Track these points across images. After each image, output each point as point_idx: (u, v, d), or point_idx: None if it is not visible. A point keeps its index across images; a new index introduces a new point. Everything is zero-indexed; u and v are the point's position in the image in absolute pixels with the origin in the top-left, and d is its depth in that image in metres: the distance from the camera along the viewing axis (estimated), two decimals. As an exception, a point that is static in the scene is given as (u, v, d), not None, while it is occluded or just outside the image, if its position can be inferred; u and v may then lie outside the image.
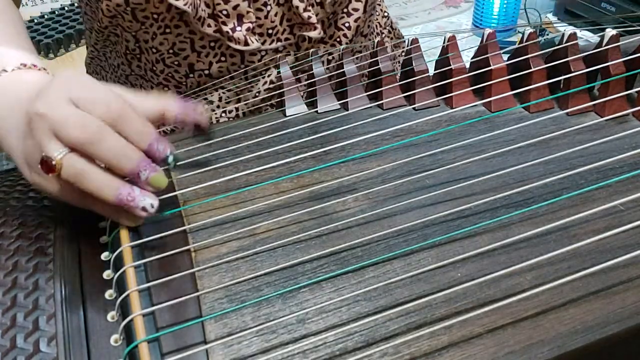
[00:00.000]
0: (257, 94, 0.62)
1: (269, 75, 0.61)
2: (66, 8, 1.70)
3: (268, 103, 0.62)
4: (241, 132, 0.50)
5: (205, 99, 0.63)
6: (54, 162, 0.36)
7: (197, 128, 0.44)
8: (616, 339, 0.34)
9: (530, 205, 0.41)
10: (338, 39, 0.62)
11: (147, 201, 0.38)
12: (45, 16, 1.67)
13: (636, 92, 0.51)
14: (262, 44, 0.58)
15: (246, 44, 0.57)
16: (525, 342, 0.33)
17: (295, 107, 0.54)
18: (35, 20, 1.64)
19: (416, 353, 0.33)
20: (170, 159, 0.40)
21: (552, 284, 0.34)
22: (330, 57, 0.65)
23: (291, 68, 0.56)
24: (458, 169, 0.44)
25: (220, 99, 0.62)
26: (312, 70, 0.55)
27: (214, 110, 0.62)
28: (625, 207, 0.41)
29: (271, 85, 0.61)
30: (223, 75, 0.60)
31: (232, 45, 0.57)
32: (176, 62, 0.59)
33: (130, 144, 0.37)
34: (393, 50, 0.72)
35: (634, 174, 0.43)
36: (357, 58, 0.67)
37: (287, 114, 0.54)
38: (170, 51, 0.58)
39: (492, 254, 0.38)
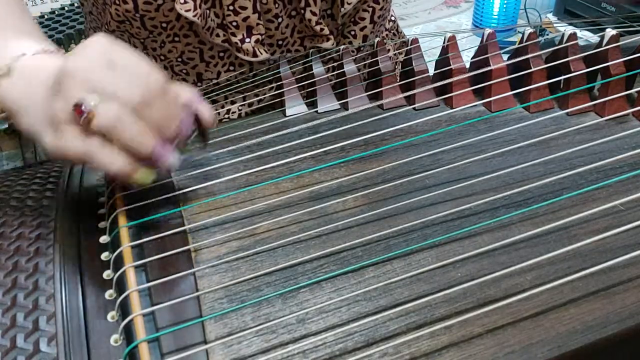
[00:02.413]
0: (262, 98, 0.62)
1: (277, 82, 0.61)
2: (66, 8, 1.70)
3: (270, 103, 0.62)
4: (241, 132, 0.50)
5: (212, 100, 0.63)
6: (89, 108, 0.34)
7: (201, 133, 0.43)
8: (616, 339, 0.34)
9: (530, 205, 0.41)
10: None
11: (176, 157, 0.38)
12: (45, 16, 1.67)
13: (636, 92, 0.51)
14: (272, 54, 0.58)
15: (255, 55, 0.57)
16: (525, 342, 0.33)
17: (295, 107, 0.54)
18: (35, 20, 1.64)
19: (416, 353, 0.33)
20: (194, 135, 0.40)
21: (552, 284, 0.34)
22: (330, 57, 0.65)
23: (290, 68, 0.56)
24: (458, 169, 0.44)
25: (225, 99, 0.62)
26: (312, 70, 0.55)
27: (217, 110, 0.62)
28: (625, 207, 0.41)
29: (277, 91, 0.61)
30: (231, 83, 0.60)
31: (241, 56, 0.57)
32: (184, 71, 0.59)
33: (170, 113, 0.37)
34: (394, 50, 0.72)
35: (634, 174, 0.43)
36: (354, 59, 0.67)
37: (287, 114, 0.54)
38: (179, 59, 0.58)
39: (492, 254, 0.38)
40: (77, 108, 0.35)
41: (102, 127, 0.35)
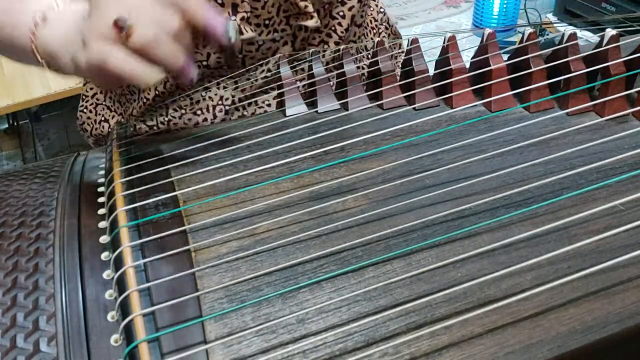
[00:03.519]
0: (254, 82, 0.62)
1: (266, 64, 0.61)
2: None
3: (263, 88, 0.63)
4: (241, 132, 0.50)
5: (204, 87, 0.63)
6: (128, 24, 0.37)
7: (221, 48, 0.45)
8: (616, 339, 0.34)
9: (530, 205, 0.41)
10: (333, 28, 0.63)
11: (195, 70, 0.42)
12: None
13: (636, 92, 0.51)
14: (260, 34, 0.59)
15: (240, 33, 0.57)
16: (525, 342, 0.33)
17: (295, 107, 0.54)
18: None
19: (416, 353, 0.33)
20: (231, 30, 0.41)
21: (552, 284, 0.34)
22: (328, 57, 0.65)
23: (289, 63, 0.56)
24: (458, 169, 0.44)
25: (218, 86, 0.63)
26: (312, 70, 0.55)
27: (211, 98, 0.63)
28: (625, 207, 0.41)
29: (268, 74, 0.61)
30: (221, 65, 0.61)
31: None
32: None
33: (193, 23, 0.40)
34: (392, 50, 0.72)
35: (634, 174, 0.43)
36: (355, 59, 0.67)
37: (287, 114, 0.54)
38: None
39: (492, 254, 0.38)
40: (117, 24, 0.38)
41: (140, 42, 0.38)
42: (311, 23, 0.59)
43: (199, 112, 0.63)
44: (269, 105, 0.63)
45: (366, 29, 0.71)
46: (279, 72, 0.55)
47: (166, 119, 0.63)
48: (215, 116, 0.63)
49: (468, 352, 0.33)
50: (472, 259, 0.37)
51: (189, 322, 0.34)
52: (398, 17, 2.73)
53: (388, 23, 0.77)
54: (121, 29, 0.38)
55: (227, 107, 0.62)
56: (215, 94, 0.63)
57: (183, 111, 0.62)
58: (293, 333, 0.34)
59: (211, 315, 0.35)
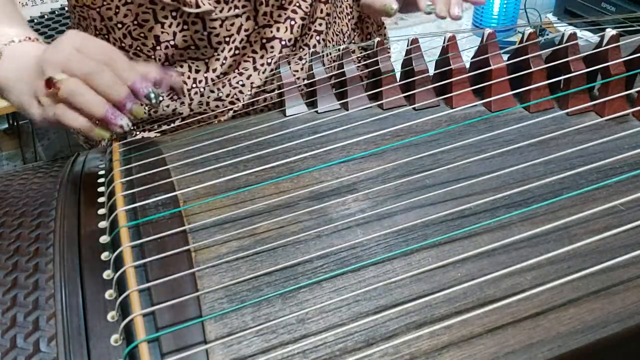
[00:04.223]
0: (224, 61, 0.62)
1: (233, 42, 0.62)
2: (66, 8, 1.70)
3: (236, 71, 0.63)
4: (241, 132, 0.50)
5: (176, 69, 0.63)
6: (55, 81, 0.46)
7: (171, 88, 0.56)
8: (616, 339, 0.34)
9: (530, 205, 0.41)
10: (297, 4, 0.63)
11: (124, 120, 0.47)
12: (46, 16, 1.67)
13: (636, 92, 0.51)
14: (220, 11, 0.60)
15: (197, 6, 0.58)
16: (525, 342, 0.33)
17: (295, 107, 0.54)
18: (35, 20, 1.64)
19: (416, 353, 0.33)
20: (152, 95, 0.48)
21: (552, 284, 0.34)
22: (328, 58, 0.65)
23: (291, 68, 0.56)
24: (458, 169, 0.44)
25: (190, 69, 0.63)
26: (312, 70, 0.55)
27: (185, 82, 0.63)
28: (625, 207, 0.41)
29: (236, 52, 0.62)
30: (188, 44, 0.62)
31: (186, 9, 0.58)
32: (142, 35, 0.61)
33: (119, 81, 0.47)
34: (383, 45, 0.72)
35: (634, 174, 0.43)
36: (354, 59, 0.67)
37: (287, 114, 0.54)
38: (135, 23, 0.60)
39: (492, 254, 0.38)
40: (48, 83, 0.46)
41: (64, 95, 0.46)
42: None
43: (175, 97, 0.64)
44: (242, 85, 0.64)
45: (342, 12, 0.71)
46: (247, 50, 0.55)
47: (146, 108, 0.64)
48: (192, 99, 0.64)
49: (468, 352, 0.33)
50: (472, 259, 0.37)
51: (189, 322, 0.34)
52: (398, 17, 2.73)
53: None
54: (51, 85, 0.46)
55: (201, 90, 0.63)
56: (189, 77, 0.63)
57: (160, 98, 0.63)
58: (293, 333, 0.34)
59: (211, 315, 0.35)
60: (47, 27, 1.59)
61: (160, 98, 0.50)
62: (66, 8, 1.70)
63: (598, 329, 0.34)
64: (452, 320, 0.34)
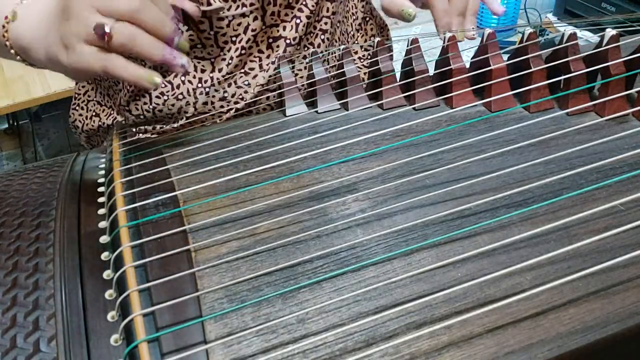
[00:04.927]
0: (230, 61, 0.62)
1: (239, 42, 0.62)
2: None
3: (242, 70, 0.63)
4: (241, 132, 0.50)
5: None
6: (108, 29, 0.41)
7: (184, 16, 0.52)
8: (616, 339, 0.34)
9: (530, 205, 0.41)
10: (304, 2, 0.63)
11: (184, 59, 0.45)
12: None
13: (636, 92, 0.51)
14: (228, 9, 0.59)
15: (208, 3, 0.58)
16: (525, 342, 0.33)
17: (295, 107, 0.54)
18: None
19: (416, 353, 0.33)
20: (181, 30, 0.45)
21: (552, 284, 0.34)
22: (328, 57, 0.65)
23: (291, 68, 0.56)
24: (458, 169, 0.44)
25: (195, 69, 0.63)
26: (312, 70, 0.56)
27: (190, 82, 0.63)
28: (625, 207, 0.41)
29: (242, 52, 0.62)
30: (195, 44, 0.61)
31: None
32: None
33: (164, 14, 0.43)
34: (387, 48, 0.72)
35: (634, 174, 0.43)
36: (354, 59, 0.67)
37: (287, 114, 0.54)
38: None
39: (492, 254, 0.38)
40: (98, 29, 0.41)
41: (122, 41, 0.42)
42: None
43: (180, 96, 0.64)
44: (248, 85, 0.64)
45: (348, 12, 0.71)
46: (253, 50, 0.55)
47: (150, 107, 0.64)
48: (196, 99, 0.63)
49: (468, 352, 0.33)
50: (472, 259, 0.37)
51: (189, 322, 0.34)
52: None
53: (372, 13, 0.77)
54: (102, 35, 0.41)
55: (207, 89, 0.63)
56: (194, 77, 0.63)
57: (165, 97, 0.63)
58: (293, 333, 0.34)
59: (211, 315, 0.35)
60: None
61: (181, 77, 0.50)
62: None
63: (598, 329, 0.34)
64: (452, 320, 0.34)
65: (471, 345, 0.33)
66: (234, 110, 0.64)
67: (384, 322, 0.34)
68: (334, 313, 0.35)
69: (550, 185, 0.42)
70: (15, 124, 2.05)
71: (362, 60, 0.73)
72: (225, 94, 0.64)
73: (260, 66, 0.64)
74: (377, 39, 0.57)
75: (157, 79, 0.45)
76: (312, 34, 0.66)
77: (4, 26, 0.48)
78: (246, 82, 0.64)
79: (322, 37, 0.66)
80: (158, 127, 0.66)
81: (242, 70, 0.64)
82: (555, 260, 0.37)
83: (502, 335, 0.34)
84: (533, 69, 0.51)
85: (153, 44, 0.43)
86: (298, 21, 0.63)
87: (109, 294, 0.37)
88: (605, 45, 0.50)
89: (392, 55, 0.56)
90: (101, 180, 0.46)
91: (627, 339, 0.35)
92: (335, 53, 0.68)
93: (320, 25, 0.66)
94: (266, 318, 0.35)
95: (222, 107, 0.64)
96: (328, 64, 0.68)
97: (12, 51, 0.49)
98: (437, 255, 0.38)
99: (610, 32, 0.50)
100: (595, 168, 0.43)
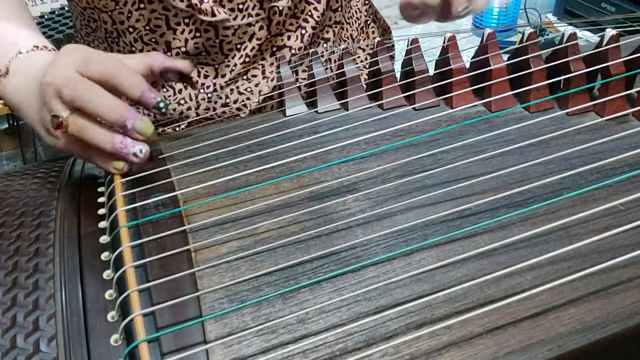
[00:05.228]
0: (233, 68, 0.62)
1: (244, 49, 0.62)
2: (66, 8, 1.70)
3: (244, 77, 0.63)
4: (241, 132, 0.50)
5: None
6: (61, 120, 0.43)
7: (181, 75, 0.53)
8: (616, 339, 0.34)
9: (530, 205, 0.41)
10: (309, 13, 0.63)
11: (136, 148, 0.44)
12: (45, 16, 1.67)
13: (636, 92, 0.51)
14: (234, 19, 0.59)
15: (213, 14, 0.58)
16: (525, 342, 0.33)
17: (295, 107, 0.54)
18: (36, 21, 1.64)
19: (416, 353, 0.33)
20: (162, 104, 0.45)
21: (552, 284, 0.34)
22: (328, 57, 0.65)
23: (291, 68, 0.56)
24: (458, 169, 0.44)
25: (198, 74, 0.63)
26: (312, 70, 0.55)
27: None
28: (625, 207, 0.41)
29: (247, 59, 0.62)
30: (200, 51, 0.61)
31: (201, 17, 0.58)
32: (153, 40, 0.61)
33: (116, 99, 0.43)
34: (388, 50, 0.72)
35: (634, 174, 0.43)
36: (354, 59, 0.67)
37: (287, 114, 0.54)
38: (147, 28, 0.60)
39: (492, 254, 0.38)
40: (55, 119, 0.43)
41: (74, 132, 0.43)
42: (282, 3, 0.60)
43: (182, 101, 0.64)
44: (251, 92, 0.64)
45: (351, 18, 0.71)
46: (257, 58, 0.55)
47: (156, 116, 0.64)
48: (198, 104, 0.63)
49: (468, 352, 0.33)
50: (472, 259, 0.37)
51: (189, 322, 0.34)
52: (398, 17, 2.73)
53: (375, 16, 0.77)
54: (58, 124, 0.43)
55: (209, 95, 0.63)
56: (197, 82, 0.63)
57: (167, 102, 0.63)
58: (293, 333, 0.34)
59: (211, 315, 0.35)
60: (47, 27, 1.59)
61: (168, 102, 0.48)
62: (66, 8, 1.70)
63: (598, 329, 0.34)
64: (452, 320, 0.34)
65: (471, 345, 0.33)
66: (238, 117, 0.64)
67: (384, 322, 0.34)
68: (334, 313, 0.35)
69: (550, 185, 0.42)
70: (15, 124, 2.05)
71: (363, 63, 0.73)
72: (228, 100, 0.64)
73: (263, 72, 0.64)
74: (377, 39, 0.57)
75: (119, 164, 0.45)
76: (315, 43, 0.66)
77: None
78: (249, 89, 0.64)
79: (325, 45, 0.66)
80: (160, 130, 0.66)
81: (245, 78, 0.64)
82: (555, 260, 0.37)
83: (502, 335, 0.34)
84: (533, 69, 0.51)
85: (102, 135, 0.43)
86: (303, 31, 0.63)
87: (109, 294, 0.37)
88: (605, 45, 0.50)
89: (392, 56, 0.56)
90: (101, 180, 0.46)
91: (627, 339, 0.35)
92: (335, 53, 0.68)
93: (323, 34, 0.66)
94: (266, 318, 0.35)
95: (224, 112, 0.64)
96: (329, 63, 0.68)
97: (1, 103, 0.51)
98: (437, 255, 0.38)
99: (610, 32, 0.50)
100: (595, 168, 0.43)
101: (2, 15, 0.52)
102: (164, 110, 0.46)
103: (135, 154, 0.44)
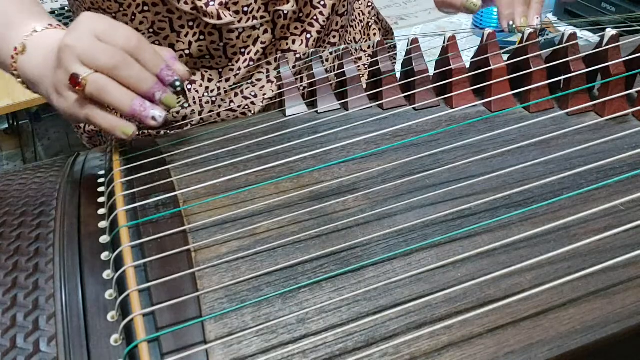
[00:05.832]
0: (237, 72, 0.62)
1: (248, 53, 0.62)
2: (66, 8, 1.70)
3: (248, 80, 0.63)
4: (241, 132, 0.50)
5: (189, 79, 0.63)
6: (80, 79, 0.43)
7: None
8: (616, 339, 0.34)
9: (530, 205, 0.41)
10: (315, 17, 0.63)
11: (156, 112, 0.44)
12: (45, 16, 1.67)
13: (636, 92, 0.51)
14: (239, 21, 0.59)
15: (219, 17, 0.58)
16: (525, 342, 0.33)
17: (295, 107, 0.54)
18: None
19: (416, 353, 0.33)
20: (178, 82, 0.46)
21: (552, 284, 0.34)
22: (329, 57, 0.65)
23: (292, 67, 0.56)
24: (458, 169, 0.44)
25: (202, 78, 0.63)
26: (312, 70, 0.55)
27: (197, 90, 0.63)
28: (625, 207, 0.41)
29: (251, 63, 0.62)
30: (203, 54, 0.61)
31: (207, 20, 0.58)
32: (157, 42, 0.61)
33: (146, 70, 0.44)
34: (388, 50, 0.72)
35: (634, 174, 0.43)
36: (354, 59, 0.67)
37: (287, 114, 0.54)
38: (151, 30, 0.60)
39: (492, 254, 0.38)
40: (72, 79, 0.43)
41: (93, 92, 0.43)
42: (288, 7, 0.60)
43: (185, 104, 0.63)
44: (255, 96, 0.64)
45: (354, 21, 0.71)
46: (262, 62, 0.55)
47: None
48: (202, 107, 0.63)
49: (468, 352, 0.33)
50: (472, 259, 0.37)
51: (189, 322, 0.34)
52: (398, 17, 2.73)
53: (378, 18, 0.77)
54: (76, 84, 0.43)
55: (213, 99, 0.63)
56: (201, 86, 0.63)
57: (182, 82, 0.63)
58: (293, 333, 0.34)
59: (211, 315, 0.35)
60: (47, 27, 1.59)
61: (187, 85, 0.48)
62: (66, 8, 1.70)
63: (598, 329, 0.34)
64: (452, 320, 0.34)
65: (471, 345, 0.33)
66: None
67: (384, 322, 0.34)
68: (334, 313, 0.35)
69: (550, 185, 0.42)
70: (15, 124, 2.05)
71: (365, 65, 0.73)
72: (232, 105, 0.64)
73: (268, 77, 0.64)
74: (378, 39, 0.57)
75: (129, 129, 0.45)
76: (320, 48, 0.66)
77: (12, 57, 0.49)
78: (253, 94, 0.64)
79: (331, 49, 0.66)
80: (162, 132, 0.66)
81: (250, 82, 0.64)
82: (555, 260, 0.37)
83: (502, 335, 0.34)
84: (533, 69, 0.51)
85: (123, 96, 0.43)
86: (309, 36, 0.63)
87: (109, 294, 0.37)
88: (605, 45, 0.50)
89: (393, 56, 0.56)
90: (101, 180, 0.46)
91: (627, 339, 0.35)
92: (335, 53, 0.68)
93: (329, 39, 0.66)
94: (266, 318, 0.35)
95: (228, 116, 0.64)
96: (330, 63, 0.68)
97: (20, 81, 0.50)
98: (437, 256, 0.38)
99: (610, 32, 0.50)
100: (595, 168, 0.43)
101: (14, 1, 0.53)
102: (179, 89, 0.46)
103: (154, 117, 0.44)
